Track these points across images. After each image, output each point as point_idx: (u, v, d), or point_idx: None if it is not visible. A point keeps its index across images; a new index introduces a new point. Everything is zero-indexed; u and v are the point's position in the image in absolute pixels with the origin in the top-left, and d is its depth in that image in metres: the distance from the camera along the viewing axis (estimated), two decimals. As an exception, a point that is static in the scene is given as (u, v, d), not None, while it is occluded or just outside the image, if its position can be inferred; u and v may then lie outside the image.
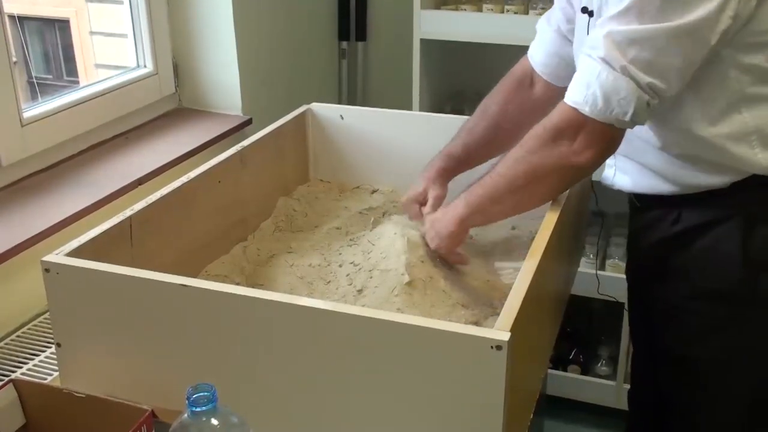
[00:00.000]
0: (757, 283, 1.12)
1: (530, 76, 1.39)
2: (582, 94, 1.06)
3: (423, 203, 1.36)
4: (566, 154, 1.08)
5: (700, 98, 1.09)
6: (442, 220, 1.22)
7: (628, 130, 1.16)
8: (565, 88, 1.14)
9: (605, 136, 1.07)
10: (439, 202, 1.34)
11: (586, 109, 1.05)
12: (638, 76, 1.02)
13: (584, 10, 1.19)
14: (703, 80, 1.08)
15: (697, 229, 1.16)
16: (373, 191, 1.62)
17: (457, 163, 1.39)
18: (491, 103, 1.40)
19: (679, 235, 1.18)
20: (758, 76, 1.07)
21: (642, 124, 1.08)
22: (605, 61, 1.03)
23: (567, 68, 1.31)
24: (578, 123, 1.07)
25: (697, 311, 1.18)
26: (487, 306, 1.21)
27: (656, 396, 1.32)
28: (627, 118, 1.04)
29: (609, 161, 1.29)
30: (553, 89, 1.36)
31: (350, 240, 1.40)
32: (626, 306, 1.46)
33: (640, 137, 1.17)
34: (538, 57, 1.37)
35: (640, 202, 1.27)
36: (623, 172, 1.26)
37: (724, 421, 1.22)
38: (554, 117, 1.10)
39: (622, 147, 1.20)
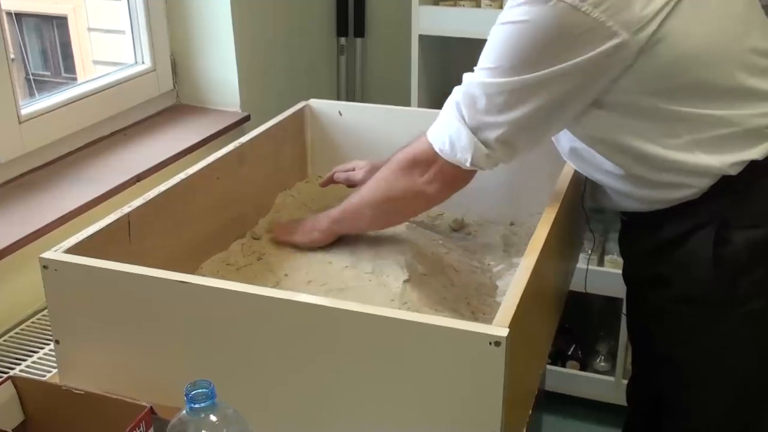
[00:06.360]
0: (736, 284, 1.13)
1: None
2: (437, 132, 1.15)
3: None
4: (417, 183, 1.18)
5: (634, 129, 1.10)
6: (314, 218, 1.36)
7: (594, 163, 1.19)
8: None
9: (451, 175, 1.16)
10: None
11: (437, 146, 1.14)
12: (484, 126, 1.09)
13: None
14: (624, 118, 1.09)
15: (678, 239, 1.16)
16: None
17: None
18: None
19: (661, 245, 1.19)
20: (667, 112, 1.08)
21: (490, 168, 1.14)
22: (457, 108, 1.12)
23: None
24: (431, 158, 1.15)
25: (681, 315, 1.19)
26: (487, 304, 1.21)
27: (651, 392, 1.33)
28: (467, 164, 1.12)
29: None
30: None
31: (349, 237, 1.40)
32: (624, 305, 1.46)
33: (602, 168, 1.19)
34: None
35: (625, 215, 1.29)
36: (605, 193, 1.27)
37: (713, 420, 1.23)
38: (415, 146, 1.19)
39: (596, 175, 1.22)
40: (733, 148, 1.10)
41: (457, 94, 1.13)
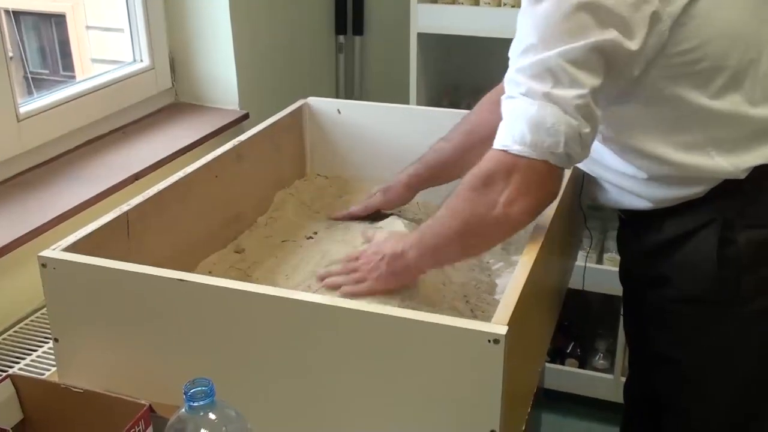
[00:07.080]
0: (739, 284, 1.13)
1: None
2: (508, 134, 1.01)
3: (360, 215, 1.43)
4: (498, 203, 1.00)
5: (653, 125, 1.10)
6: (390, 240, 1.14)
7: (599, 158, 1.17)
8: None
9: (541, 177, 1.00)
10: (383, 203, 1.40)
11: (515, 148, 0.99)
12: (562, 100, 0.98)
13: None
14: (647, 110, 1.08)
15: (679, 238, 1.16)
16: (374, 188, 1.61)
17: (424, 180, 1.40)
18: (468, 121, 1.36)
19: (662, 245, 1.18)
20: (687, 103, 1.07)
21: (578, 160, 1.03)
22: (526, 96, 1.00)
23: None
24: (509, 165, 1.00)
25: (681, 314, 1.19)
26: (486, 302, 1.21)
27: (650, 392, 1.33)
28: (560, 148, 0.98)
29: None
30: None
31: (347, 235, 1.40)
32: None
33: (610, 166, 1.18)
34: None
35: (624, 214, 1.28)
36: (604, 190, 1.26)
37: (713, 419, 1.23)
38: (483, 164, 1.03)
39: (598, 171, 1.21)
40: (748, 147, 1.10)
41: (513, 87, 1.02)
